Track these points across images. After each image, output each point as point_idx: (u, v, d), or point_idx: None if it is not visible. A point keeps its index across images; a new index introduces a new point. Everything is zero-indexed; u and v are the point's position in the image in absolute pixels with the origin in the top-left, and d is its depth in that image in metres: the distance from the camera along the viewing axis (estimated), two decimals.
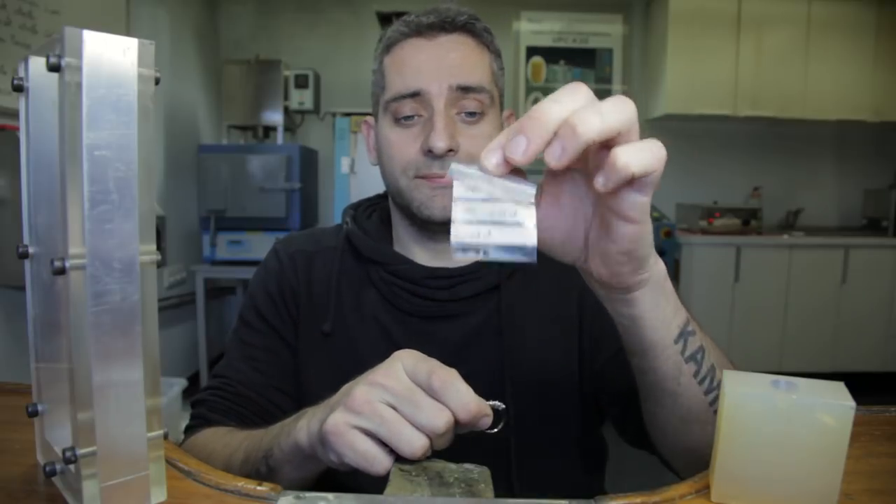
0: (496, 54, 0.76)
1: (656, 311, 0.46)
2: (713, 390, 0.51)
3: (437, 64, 0.70)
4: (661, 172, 0.37)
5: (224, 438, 0.64)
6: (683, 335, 0.49)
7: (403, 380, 0.44)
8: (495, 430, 0.45)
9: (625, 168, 0.35)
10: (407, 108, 0.71)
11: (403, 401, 0.43)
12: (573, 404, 0.74)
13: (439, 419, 0.42)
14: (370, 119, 0.80)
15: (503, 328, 0.72)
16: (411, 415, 0.43)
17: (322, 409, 0.49)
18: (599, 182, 0.36)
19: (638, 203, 0.38)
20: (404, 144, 0.71)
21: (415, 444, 0.42)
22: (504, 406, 0.46)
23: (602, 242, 0.42)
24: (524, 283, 0.75)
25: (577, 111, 0.35)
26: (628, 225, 0.39)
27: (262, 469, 0.55)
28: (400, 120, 0.71)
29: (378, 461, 0.44)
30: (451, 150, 0.69)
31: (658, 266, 0.45)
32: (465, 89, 0.70)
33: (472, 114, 0.71)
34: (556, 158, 0.35)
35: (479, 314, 0.73)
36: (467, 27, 0.72)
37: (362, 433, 0.44)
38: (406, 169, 0.71)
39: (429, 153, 0.69)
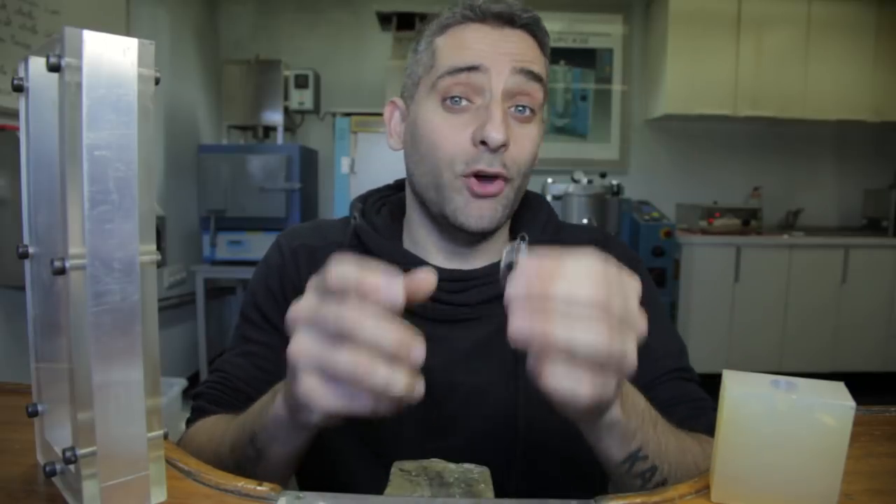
0: (548, 63, 0.73)
1: (599, 444, 0.50)
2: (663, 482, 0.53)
3: (500, 49, 0.66)
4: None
5: (210, 431, 0.63)
6: (631, 459, 0.50)
7: (309, 304, 0.41)
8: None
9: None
10: (459, 86, 0.66)
11: (309, 324, 0.40)
12: None
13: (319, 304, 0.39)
14: (398, 100, 0.76)
15: None
16: (328, 328, 0.39)
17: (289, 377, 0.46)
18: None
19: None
20: (453, 132, 0.66)
21: (342, 357, 0.39)
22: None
23: None
24: None
25: None
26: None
27: (250, 453, 0.53)
28: (446, 101, 0.67)
29: (355, 397, 0.40)
30: (503, 146, 0.65)
31: (610, 415, 0.46)
32: (528, 73, 0.66)
33: (523, 109, 0.67)
34: None
35: (493, 319, 0.70)
36: (530, 27, 0.70)
37: (325, 377, 0.41)
38: (454, 161, 0.66)
39: (482, 144, 0.64)
